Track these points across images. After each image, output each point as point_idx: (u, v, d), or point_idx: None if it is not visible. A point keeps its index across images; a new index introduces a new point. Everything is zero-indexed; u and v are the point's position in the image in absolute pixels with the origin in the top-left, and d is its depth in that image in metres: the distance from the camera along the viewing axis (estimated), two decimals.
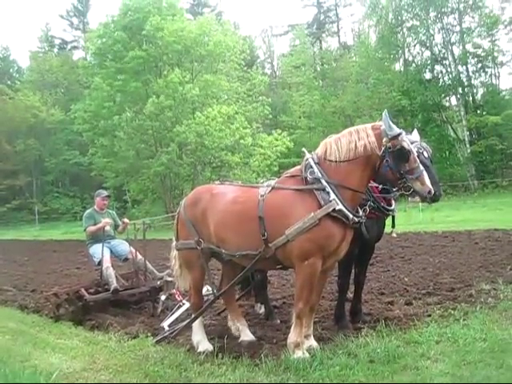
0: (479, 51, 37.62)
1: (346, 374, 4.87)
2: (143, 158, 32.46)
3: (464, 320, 6.13)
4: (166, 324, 7.05)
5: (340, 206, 5.21)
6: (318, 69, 45.84)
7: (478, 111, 37.39)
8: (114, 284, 8.13)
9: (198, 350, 5.94)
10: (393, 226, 6.47)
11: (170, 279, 8.21)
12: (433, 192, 5.31)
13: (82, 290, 8.28)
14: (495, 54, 37.54)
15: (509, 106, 36.77)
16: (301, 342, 5.44)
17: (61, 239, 28.84)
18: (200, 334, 6.16)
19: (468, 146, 36.33)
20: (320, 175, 5.36)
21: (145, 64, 31.10)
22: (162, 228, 28.65)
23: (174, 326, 6.80)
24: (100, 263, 8.47)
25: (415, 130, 5.81)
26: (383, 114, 5.34)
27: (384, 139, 5.25)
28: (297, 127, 41.61)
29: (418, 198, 5.49)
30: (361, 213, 5.50)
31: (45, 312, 8.63)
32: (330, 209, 5.20)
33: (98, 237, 8.70)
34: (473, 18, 37.69)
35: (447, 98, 40.16)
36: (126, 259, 8.86)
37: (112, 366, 5.71)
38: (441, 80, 38.89)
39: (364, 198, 5.77)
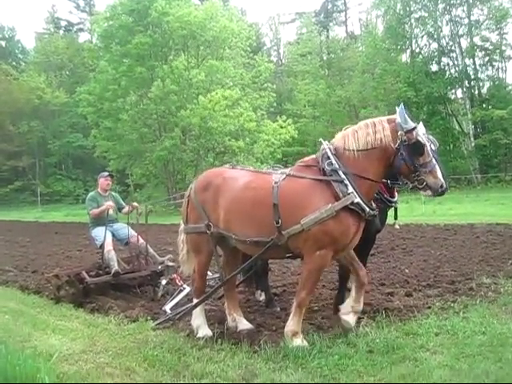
0: (487, 44, 37.39)
1: (344, 363, 4.89)
2: (146, 142, 32.47)
3: (464, 313, 6.15)
4: (167, 307, 7.12)
5: (358, 199, 5.24)
6: (325, 58, 45.62)
7: (484, 105, 37.21)
8: (115, 267, 8.12)
9: (198, 336, 5.95)
10: (395, 218, 6.44)
11: (171, 264, 8.30)
12: (444, 186, 5.39)
13: (83, 272, 8.28)
14: (503, 47, 37.33)
15: None
16: (299, 330, 5.45)
17: (63, 221, 28.90)
18: (200, 319, 6.13)
19: (472, 139, 36.21)
20: (338, 167, 5.37)
21: (150, 49, 30.99)
22: (164, 213, 28.76)
23: (175, 310, 6.85)
24: (102, 246, 8.47)
25: (421, 123, 5.79)
26: (399, 107, 5.41)
27: (399, 132, 5.31)
28: (301, 116, 41.48)
29: (429, 192, 5.48)
30: (374, 205, 5.56)
31: (45, 293, 8.67)
32: (349, 201, 5.22)
33: (100, 220, 8.68)
34: (482, 10, 37.43)
35: (453, 91, 39.97)
36: (128, 243, 8.81)
37: (111, 348, 5.73)
38: (447, 72, 38.68)
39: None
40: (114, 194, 9.41)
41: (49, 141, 48.16)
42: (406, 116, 5.34)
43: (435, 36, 38.71)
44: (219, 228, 5.80)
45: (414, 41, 40.59)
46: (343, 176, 5.31)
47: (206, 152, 31.93)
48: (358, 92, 39.68)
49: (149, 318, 6.80)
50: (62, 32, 61.35)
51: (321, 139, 5.90)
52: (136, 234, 8.61)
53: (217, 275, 7.36)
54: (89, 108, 33.64)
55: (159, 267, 8.37)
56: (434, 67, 39.48)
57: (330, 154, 5.48)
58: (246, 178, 5.85)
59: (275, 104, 35.87)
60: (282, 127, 31.29)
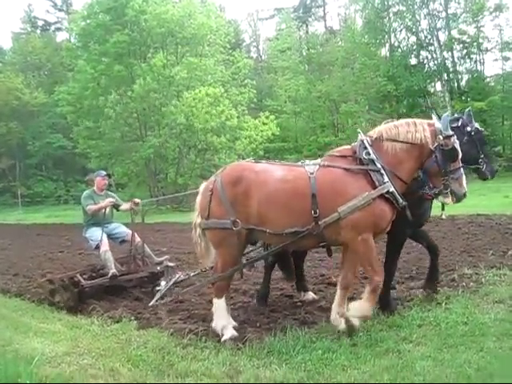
0: (464, 37, 37.67)
1: (328, 357, 4.92)
2: (128, 140, 32.30)
3: (446, 304, 6.22)
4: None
5: (393, 189, 5.51)
6: (304, 53, 45.55)
7: (463, 97, 37.50)
8: (112, 269, 7.96)
9: (224, 338, 5.72)
10: (442, 209, 6.65)
11: (171, 264, 8.16)
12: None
13: (77, 275, 8.11)
14: (480, 40, 37.62)
15: (493, 92, 36.96)
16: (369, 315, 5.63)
17: (44, 223, 28.65)
18: (224, 320, 5.94)
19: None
20: (375, 157, 5.63)
21: (128, 48, 30.81)
22: (147, 212, 28.63)
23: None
24: (97, 247, 8.26)
25: (469, 111, 6.49)
26: (445, 114, 5.86)
27: (439, 136, 5.64)
28: (282, 112, 41.48)
29: (450, 198, 5.88)
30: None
31: (27, 296, 8.57)
32: (385, 190, 5.48)
33: (95, 219, 8.50)
34: (458, 4, 37.74)
35: (432, 84, 40.30)
36: (123, 241, 8.62)
37: (95, 349, 5.67)
38: (426, 66, 38.99)
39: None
40: (109, 192, 9.12)
41: (28, 142, 47.54)
42: (448, 124, 5.73)
43: (413, 30, 38.97)
44: (249, 223, 5.72)
45: (392, 35, 40.86)
46: (379, 166, 5.59)
47: (188, 150, 31.83)
48: (338, 87, 39.70)
49: (132, 318, 6.75)
50: (39, 31, 60.62)
51: (359, 130, 6.15)
52: (132, 233, 8.46)
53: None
54: (68, 107, 33.38)
55: (158, 268, 8.22)
56: (413, 61, 39.80)
57: (367, 144, 5.76)
58: (280, 170, 5.86)
59: (255, 100, 35.82)
60: (264, 123, 31.28)
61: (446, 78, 38.13)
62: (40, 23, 62.57)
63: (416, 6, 37.95)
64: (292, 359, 4.97)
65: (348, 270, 5.83)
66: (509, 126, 36.92)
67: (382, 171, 5.55)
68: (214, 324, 5.93)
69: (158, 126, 30.77)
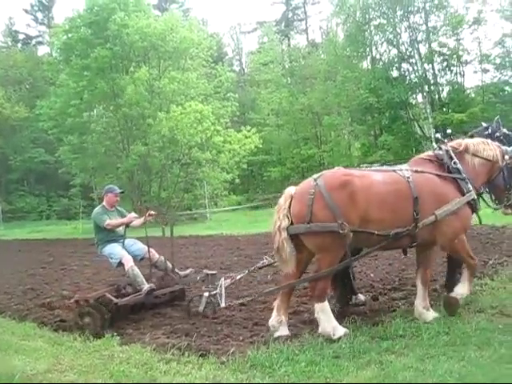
0: (445, 50, 38.07)
1: (311, 369, 4.92)
2: (111, 155, 32.17)
3: None
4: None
5: (475, 196, 6.31)
6: (287, 66, 45.88)
7: (444, 109, 37.80)
8: (144, 284, 7.64)
9: (336, 336, 5.74)
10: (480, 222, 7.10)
11: (212, 272, 7.80)
12: None
13: (107, 294, 7.64)
14: (460, 52, 38.04)
15: (473, 103, 37.33)
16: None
17: (26, 238, 28.39)
18: (333, 320, 5.93)
19: (434, 143, 36.71)
20: (461, 167, 6.37)
21: (110, 62, 30.78)
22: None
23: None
24: (120, 264, 7.89)
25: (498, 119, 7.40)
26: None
27: (506, 156, 6.64)
28: (265, 124, 41.65)
29: (509, 211, 6.91)
30: None
31: (8, 313, 8.47)
32: (472, 197, 6.25)
33: (112, 236, 8.09)
34: (438, 17, 38.06)
35: (414, 96, 40.56)
36: (142, 259, 8.23)
37: (77, 366, 5.62)
38: (407, 78, 39.25)
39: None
40: (119, 208, 8.62)
41: (10, 157, 47.07)
42: None
43: (394, 42, 39.29)
44: (353, 226, 5.84)
45: (374, 47, 41.16)
46: (465, 175, 6.33)
47: (171, 164, 31.77)
48: (320, 99, 39.98)
49: (115, 333, 6.70)
50: (20, 45, 60.30)
51: (445, 140, 6.84)
52: (151, 250, 8.13)
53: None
54: (50, 123, 33.22)
55: (198, 278, 8.02)
56: (395, 73, 40.01)
57: (453, 154, 6.46)
58: (378, 175, 6.24)
59: (238, 113, 35.88)
60: (246, 137, 31.34)
61: (427, 89, 38.45)
62: (21, 37, 62.19)
63: (397, 20, 38.30)
64: (275, 372, 4.96)
65: (425, 267, 6.36)
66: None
67: (467, 180, 6.30)
68: (321, 329, 5.92)
69: (144, 138, 30.67)
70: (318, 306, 5.97)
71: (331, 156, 41.32)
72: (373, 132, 40.76)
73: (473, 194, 6.24)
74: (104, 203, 8.40)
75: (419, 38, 38.43)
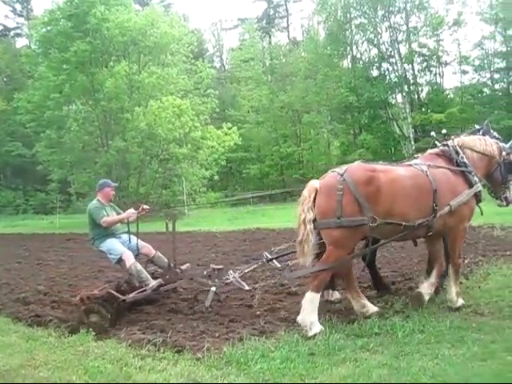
0: (425, 50, 38.49)
1: (286, 366, 4.93)
2: (89, 150, 31.89)
3: (403, 312, 6.31)
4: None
5: (481, 188, 6.77)
6: (267, 63, 45.93)
7: (423, 109, 38.18)
8: (149, 280, 7.43)
9: (312, 333, 5.80)
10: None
11: (218, 267, 7.55)
12: None
13: (110, 290, 7.40)
14: (440, 53, 38.48)
15: (452, 104, 37.77)
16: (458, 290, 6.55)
17: (1, 233, 28.03)
18: (315, 314, 5.98)
19: (413, 142, 37.06)
20: (467, 162, 6.82)
21: (90, 56, 30.49)
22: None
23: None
24: (120, 260, 7.60)
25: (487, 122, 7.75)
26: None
27: (504, 152, 7.14)
28: (245, 121, 41.65)
29: (505, 202, 7.29)
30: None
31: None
32: (479, 189, 6.70)
33: (109, 231, 7.79)
34: (419, 17, 38.46)
35: (393, 96, 40.89)
36: (138, 255, 7.89)
37: (51, 362, 5.57)
38: (387, 77, 39.55)
39: None
40: (111, 204, 8.31)
41: None
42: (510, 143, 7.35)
43: (375, 42, 39.56)
44: (380, 218, 6.06)
45: (354, 47, 41.44)
46: (471, 168, 6.77)
47: (150, 159, 31.60)
48: (300, 97, 40.11)
49: (90, 329, 6.61)
50: None
51: (453, 137, 7.27)
52: (147, 245, 7.98)
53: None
54: (28, 116, 32.83)
55: (205, 272, 7.65)
56: (375, 72, 40.35)
57: (459, 150, 6.92)
58: (399, 169, 6.55)
59: (218, 110, 35.79)
60: (226, 134, 31.29)
61: (407, 89, 38.79)
62: None
63: (377, 19, 38.56)
64: (250, 369, 4.95)
65: (454, 253, 6.69)
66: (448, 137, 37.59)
67: (473, 173, 6.75)
68: (300, 318, 5.98)
69: (122, 133, 30.44)
70: (309, 295, 6.03)
71: (310, 154, 41.51)
72: (352, 131, 41.00)
73: (479, 186, 6.72)
74: (99, 198, 8.03)
75: (400, 38, 38.81)
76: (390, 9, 37.90)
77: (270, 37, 52.78)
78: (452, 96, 40.87)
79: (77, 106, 31.85)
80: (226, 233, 18.29)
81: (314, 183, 6.35)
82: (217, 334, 6.13)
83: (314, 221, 6.16)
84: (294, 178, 40.09)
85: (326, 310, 6.60)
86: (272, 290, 8.10)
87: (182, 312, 7.33)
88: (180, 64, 34.23)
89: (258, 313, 6.90)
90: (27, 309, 8.01)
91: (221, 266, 7.58)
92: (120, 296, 7.15)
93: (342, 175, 6.11)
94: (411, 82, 39.18)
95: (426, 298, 6.47)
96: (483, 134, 7.42)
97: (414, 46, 38.74)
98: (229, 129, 31.64)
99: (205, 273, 7.60)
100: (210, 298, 6.98)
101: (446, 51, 38.65)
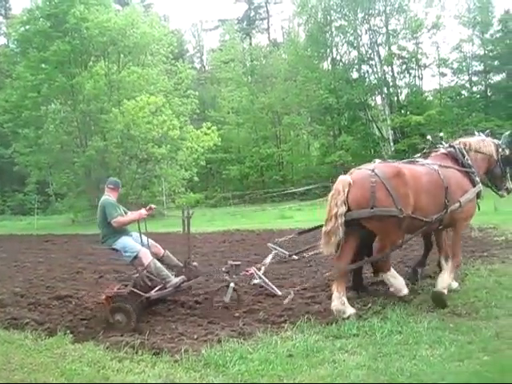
0: (404, 53, 38.74)
1: (265, 368, 4.92)
2: (67, 150, 31.60)
3: (382, 313, 6.32)
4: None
5: (481, 187, 7.41)
6: (248, 65, 45.95)
7: (402, 111, 38.47)
8: (170, 276, 7.30)
9: (403, 293, 6.81)
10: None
11: (236, 263, 7.65)
12: None
13: (131, 288, 7.21)
14: (419, 56, 38.75)
15: (431, 106, 38.13)
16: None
17: None
18: (402, 281, 6.92)
19: (392, 144, 37.39)
20: (471, 162, 7.42)
21: (69, 56, 30.24)
22: (88, 223, 28.09)
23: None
24: (136, 257, 7.40)
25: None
26: (504, 136, 8.19)
27: (500, 149, 7.86)
28: (225, 123, 41.62)
29: (505, 193, 8.09)
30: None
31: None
32: (480, 188, 7.35)
33: (121, 229, 7.57)
34: (398, 20, 38.81)
35: (373, 98, 41.18)
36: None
37: (27, 365, 5.50)
38: (367, 79, 39.82)
39: None
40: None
41: None
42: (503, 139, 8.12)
43: (355, 44, 39.79)
44: (407, 211, 6.51)
45: (334, 49, 41.62)
46: (474, 169, 7.36)
47: (129, 160, 31.41)
48: (280, 99, 40.22)
49: (67, 331, 6.55)
50: None
51: (459, 140, 7.88)
52: (157, 244, 7.81)
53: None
54: (5, 115, 32.45)
55: (223, 269, 7.76)
56: (355, 74, 40.60)
57: (464, 152, 7.50)
58: (418, 167, 7.09)
59: (198, 111, 35.71)
60: (205, 134, 31.25)
61: (386, 91, 39.08)
62: None
63: (357, 22, 38.82)
64: (228, 371, 4.95)
65: (456, 246, 7.23)
66: (446, 140, 37.99)
67: (476, 173, 7.35)
68: (394, 289, 6.87)
69: (100, 133, 30.28)
70: (387, 274, 6.88)
71: (290, 155, 41.60)
72: (332, 132, 41.15)
73: (480, 186, 7.34)
74: (111, 195, 7.80)
75: (379, 41, 39.13)
76: (370, 11, 38.21)
77: (250, 38, 52.81)
78: (431, 98, 41.27)
79: (55, 105, 31.50)
80: (206, 234, 18.23)
81: (346, 178, 6.65)
82: (195, 336, 6.10)
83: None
84: (273, 179, 40.14)
85: (305, 311, 6.58)
86: (251, 291, 8.08)
87: (160, 314, 7.31)
88: (160, 64, 34.18)
89: (236, 314, 6.89)
90: (3, 311, 7.90)
91: (238, 262, 7.71)
92: (144, 294, 7.07)
93: (372, 170, 6.59)
94: (390, 84, 39.45)
95: (446, 291, 6.68)
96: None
97: (394, 48, 39.04)
98: (208, 128, 31.62)
99: (223, 269, 7.71)
100: (229, 294, 7.18)
101: (424, 54, 38.99)
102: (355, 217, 6.45)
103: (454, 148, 7.54)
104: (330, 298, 7.30)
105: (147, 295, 7.07)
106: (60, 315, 7.57)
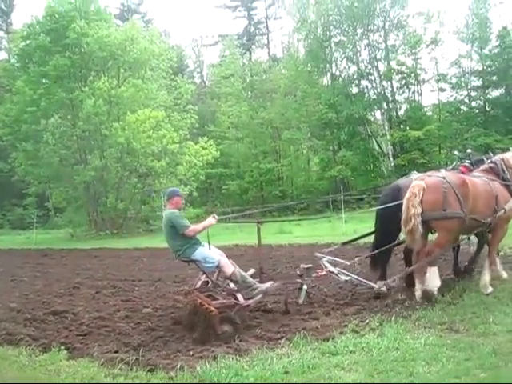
0: (403, 68, 38.82)
1: None
2: (67, 165, 31.61)
3: (379, 330, 6.27)
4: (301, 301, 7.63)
5: None
6: (247, 80, 46.04)
7: (402, 126, 38.51)
8: (255, 283, 7.37)
9: (433, 291, 7.44)
10: None
11: (308, 266, 8.08)
12: None
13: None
14: (418, 71, 38.86)
15: (430, 121, 38.16)
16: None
17: None
18: (438, 281, 7.57)
19: (391, 159, 37.39)
20: (510, 178, 8.55)
21: (69, 70, 30.37)
22: (84, 237, 28.06)
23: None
24: (217, 267, 7.43)
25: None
26: None
27: None
28: (224, 137, 41.63)
29: None
30: None
31: None
32: None
33: (195, 240, 7.54)
34: (397, 36, 38.95)
35: (372, 113, 41.20)
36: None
37: (21, 381, 5.45)
38: (366, 95, 39.88)
39: None
40: None
41: None
42: None
43: (354, 60, 39.91)
44: (469, 214, 7.64)
45: (334, 64, 41.75)
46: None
47: (129, 174, 31.42)
48: (280, 114, 40.24)
49: (62, 347, 6.48)
50: None
51: (499, 156, 8.96)
52: (223, 253, 7.77)
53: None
54: (5, 129, 32.51)
55: (298, 272, 8.15)
56: (354, 89, 40.67)
57: (504, 167, 8.58)
58: (474, 178, 8.16)
59: (198, 126, 35.76)
60: (203, 148, 31.30)
61: (386, 107, 39.16)
62: None
63: (357, 37, 38.96)
64: None
65: (494, 248, 8.38)
66: (445, 155, 38.15)
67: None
68: (427, 286, 7.48)
69: (100, 149, 30.34)
70: (431, 269, 7.52)
71: (290, 170, 41.55)
72: (331, 147, 41.13)
73: None
74: (171, 207, 7.77)
75: (378, 56, 39.25)
76: (369, 27, 38.35)
77: (250, 53, 52.96)
78: (430, 113, 41.30)
79: (55, 119, 31.56)
80: None
81: (420, 183, 7.62)
82: (191, 353, 6.05)
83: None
84: (273, 194, 40.10)
85: (302, 327, 6.53)
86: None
87: (157, 330, 7.24)
88: (160, 79, 34.30)
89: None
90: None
91: (310, 265, 8.13)
92: (243, 302, 7.09)
93: (443, 178, 7.67)
94: (390, 99, 39.52)
95: (488, 279, 7.89)
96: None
97: (393, 63, 39.13)
98: (205, 142, 31.70)
99: (298, 272, 8.12)
100: (302, 296, 7.65)
101: (423, 69, 39.06)
102: (429, 218, 7.53)
103: (496, 164, 8.61)
104: (327, 314, 7.32)
105: (246, 303, 7.12)
106: (55, 331, 7.52)
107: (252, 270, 8.19)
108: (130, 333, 7.18)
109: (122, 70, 31.86)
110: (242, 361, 5.54)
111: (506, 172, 8.56)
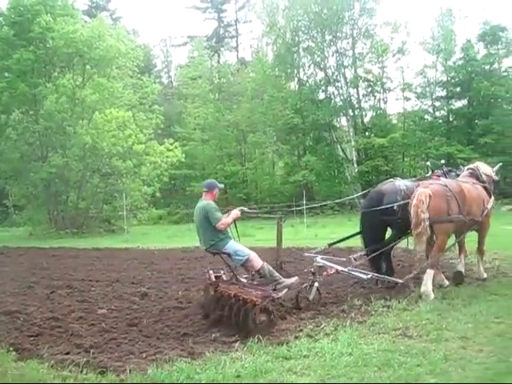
0: (369, 76, 39.36)
1: None
2: (28, 161, 30.98)
3: (334, 335, 6.29)
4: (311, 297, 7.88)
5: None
6: (215, 82, 45.97)
7: (366, 133, 38.92)
8: (282, 278, 7.51)
9: (431, 299, 7.92)
10: None
11: (319, 264, 8.40)
12: None
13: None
14: (384, 79, 39.42)
15: (394, 129, 38.76)
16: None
17: None
18: (430, 285, 8.10)
19: (356, 165, 37.75)
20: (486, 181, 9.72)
21: (33, 65, 29.82)
22: (44, 236, 27.55)
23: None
24: (247, 260, 7.45)
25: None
26: (496, 168, 10.38)
27: (494, 175, 10.01)
28: (190, 139, 41.41)
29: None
30: None
31: None
32: (494, 200, 9.63)
33: (227, 232, 7.65)
34: (365, 44, 39.36)
35: (338, 119, 41.56)
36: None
37: None
38: (332, 101, 40.16)
39: None
40: None
41: None
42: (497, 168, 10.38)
43: (322, 66, 40.18)
44: (467, 216, 8.66)
45: (301, 69, 42.02)
46: (488, 185, 9.67)
47: (91, 173, 30.95)
48: (246, 117, 40.27)
49: (11, 348, 6.30)
50: None
51: (477, 163, 10.35)
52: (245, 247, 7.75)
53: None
54: None
55: (312, 269, 8.26)
56: (321, 95, 40.95)
57: (481, 172, 9.76)
58: (466, 184, 9.15)
59: (163, 126, 35.45)
60: (168, 150, 31.07)
61: (351, 113, 39.52)
62: None
63: (325, 44, 39.22)
64: None
65: (482, 243, 9.68)
66: (408, 162, 38.71)
67: (490, 189, 9.62)
68: (422, 288, 8.07)
69: (61, 148, 29.81)
70: (429, 272, 8.20)
71: (255, 174, 41.60)
72: (296, 152, 41.37)
73: (493, 199, 9.53)
74: (209, 198, 7.78)
75: (346, 63, 39.65)
76: (338, 34, 38.65)
77: (218, 56, 52.83)
78: (395, 121, 41.96)
79: (17, 115, 30.94)
80: (165, 250, 18.00)
81: (426, 191, 8.37)
82: (144, 355, 5.96)
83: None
84: (237, 197, 40.04)
85: (255, 331, 6.49)
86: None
87: (110, 332, 7.11)
88: (126, 78, 33.93)
89: (185, 332, 6.77)
90: None
91: (321, 264, 8.43)
92: (275, 294, 7.21)
93: (445, 186, 8.61)
94: (356, 106, 39.95)
95: (462, 270, 9.32)
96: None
97: (360, 71, 39.65)
98: (171, 144, 31.47)
99: (312, 270, 8.27)
100: (313, 293, 7.94)
101: (389, 78, 39.69)
102: (437, 221, 8.34)
103: (474, 170, 9.79)
104: (283, 318, 7.29)
105: (277, 296, 7.26)
106: (6, 331, 7.29)
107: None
108: (83, 334, 7.01)
109: (87, 67, 31.36)
110: (194, 364, 5.48)
111: (484, 176, 9.69)
